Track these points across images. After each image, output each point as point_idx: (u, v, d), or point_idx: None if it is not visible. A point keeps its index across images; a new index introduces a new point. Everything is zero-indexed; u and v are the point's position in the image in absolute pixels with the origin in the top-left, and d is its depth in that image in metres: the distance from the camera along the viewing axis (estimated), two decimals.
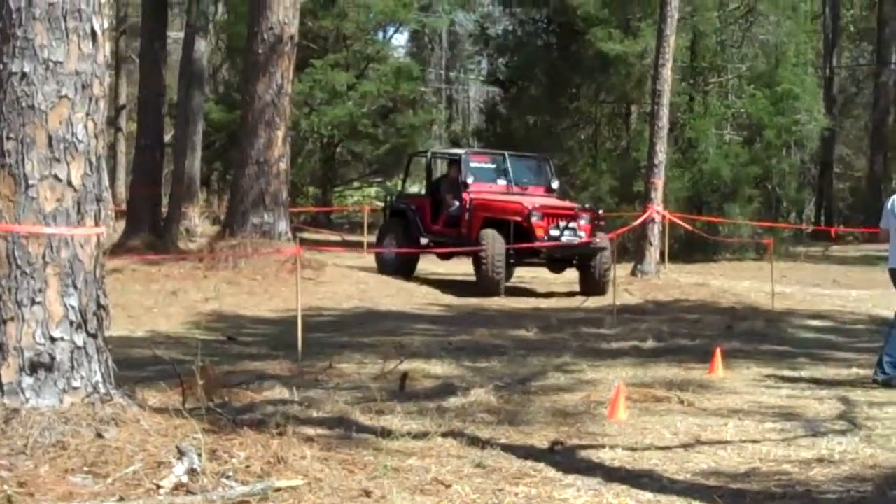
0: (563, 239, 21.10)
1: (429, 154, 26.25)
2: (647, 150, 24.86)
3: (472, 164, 22.84)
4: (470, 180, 22.18)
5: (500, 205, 21.64)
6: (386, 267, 23.23)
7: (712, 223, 30.97)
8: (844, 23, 51.81)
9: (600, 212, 22.90)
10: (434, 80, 61.32)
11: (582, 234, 21.31)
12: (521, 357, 13.09)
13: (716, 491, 6.96)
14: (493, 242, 20.59)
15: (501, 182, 22.83)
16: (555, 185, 23.31)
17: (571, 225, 21.28)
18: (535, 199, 21.75)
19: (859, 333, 16.59)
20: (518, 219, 20.94)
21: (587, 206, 22.94)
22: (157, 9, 27.48)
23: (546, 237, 20.93)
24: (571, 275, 22.39)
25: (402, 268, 23.05)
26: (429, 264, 24.38)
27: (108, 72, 7.40)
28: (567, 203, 22.66)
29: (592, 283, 21.39)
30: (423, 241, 22.80)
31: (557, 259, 21.94)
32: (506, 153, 23.76)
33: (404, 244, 22.61)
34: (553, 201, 22.27)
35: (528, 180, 23.22)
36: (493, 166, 23.26)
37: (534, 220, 20.91)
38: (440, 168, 30.05)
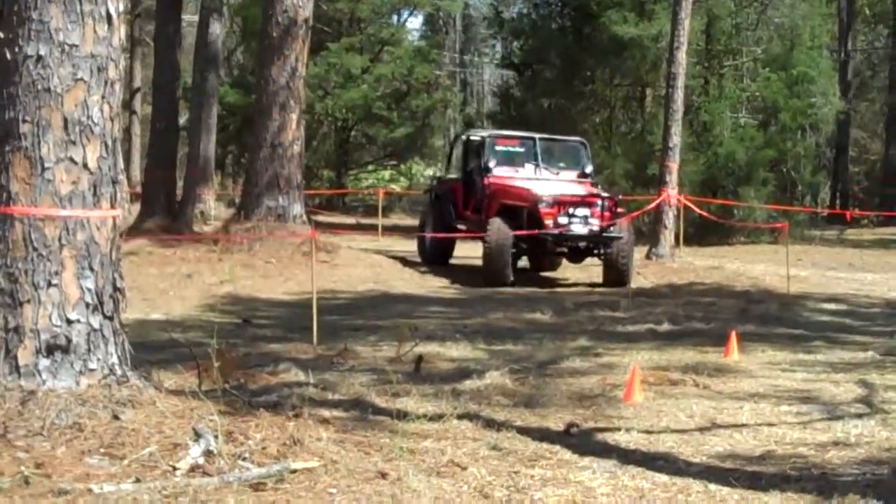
0: (572, 227, 20.17)
1: (463, 137, 24.86)
2: (661, 133, 24.79)
3: (498, 149, 22.10)
4: (492, 164, 21.52)
5: (513, 191, 20.95)
6: (424, 252, 23.06)
7: (727, 206, 30.93)
8: (860, 5, 51.51)
9: (619, 196, 21.95)
10: (448, 64, 61.24)
11: (595, 221, 20.29)
12: (536, 340, 13.08)
13: (731, 473, 6.96)
14: (497, 230, 19.93)
15: (530, 167, 21.86)
16: (588, 169, 22.16)
17: (581, 213, 20.28)
18: (549, 185, 20.97)
19: (875, 317, 16.58)
20: (526, 205, 20.30)
21: (604, 193, 21.61)
22: None
23: (555, 225, 20.10)
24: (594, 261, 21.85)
25: (438, 253, 22.80)
26: (467, 249, 23.92)
27: (123, 55, 7.39)
28: (583, 189, 21.44)
29: (612, 274, 20.36)
30: (461, 226, 22.18)
31: (571, 248, 20.97)
32: (536, 136, 22.72)
33: (439, 229, 22.29)
34: (568, 187, 21.29)
35: (561, 165, 22.28)
36: (522, 150, 22.31)
37: (542, 207, 20.06)
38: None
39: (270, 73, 22.85)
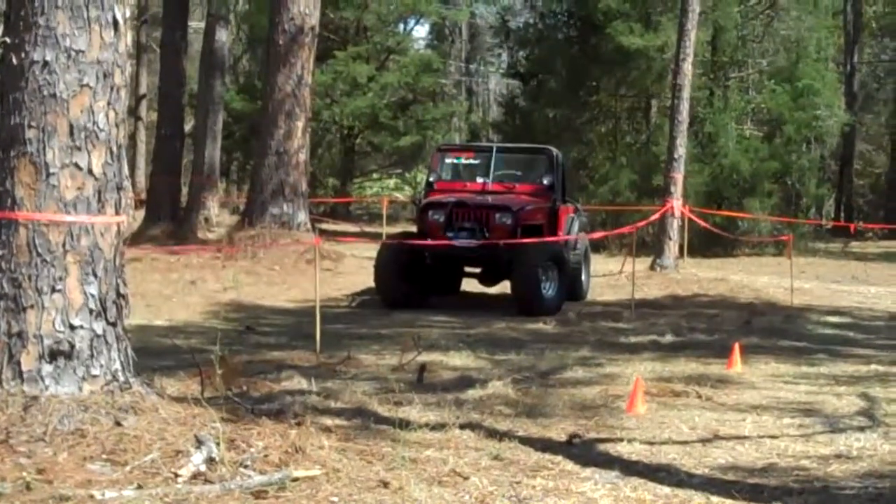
0: (455, 242, 17.52)
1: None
2: (666, 144, 24.80)
3: (448, 161, 20.09)
4: (432, 178, 19.47)
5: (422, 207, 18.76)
6: None
7: (731, 218, 30.93)
8: (866, 18, 51.51)
9: (527, 208, 18.46)
10: (454, 73, 61.23)
11: (487, 235, 17.63)
12: (539, 350, 13.07)
13: (733, 486, 6.95)
14: (385, 246, 18.36)
15: (481, 180, 19.11)
16: (547, 180, 18.91)
17: (468, 225, 17.75)
18: (469, 198, 18.27)
19: (878, 330, 16.56)
20: (417, 221, 18.79)
21: (517, 207, 18.16)
22: None
23: (439, 238, 17.64)
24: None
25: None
26: None
27: (129, 61, 7.41)
28: (517, 201, 18.43)
29: (518, 300, 17.52)
30: None
31: (458, 264, 18.59)
32: (494, 146, 20.46)
33: None
34: (477, 198, 18.35)
35: (517, 176, 19.59)
36: (476, 162, 19.75)
37: (429, 218, 18.03)
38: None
39: (276, 80, 22.89)
